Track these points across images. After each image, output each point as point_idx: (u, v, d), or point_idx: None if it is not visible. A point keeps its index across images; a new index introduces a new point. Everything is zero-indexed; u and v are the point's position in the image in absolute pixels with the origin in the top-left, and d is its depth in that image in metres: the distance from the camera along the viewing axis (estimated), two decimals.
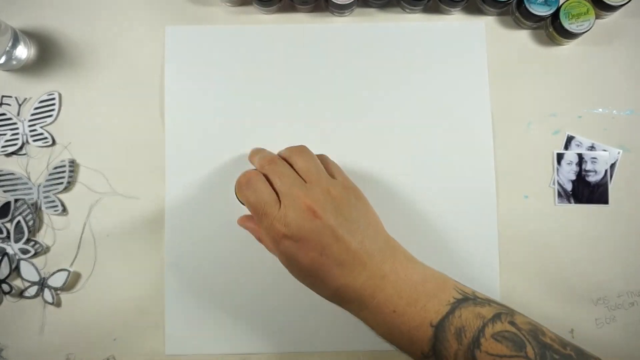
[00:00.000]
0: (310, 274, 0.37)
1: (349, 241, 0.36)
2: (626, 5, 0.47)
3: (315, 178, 0.39)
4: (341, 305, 0.38)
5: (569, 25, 0.47)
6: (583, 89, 0.50)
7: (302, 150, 0.42)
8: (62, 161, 0.48)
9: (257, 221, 0.39)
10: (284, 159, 0.41)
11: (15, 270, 0.48)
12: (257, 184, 0.39)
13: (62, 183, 0.48)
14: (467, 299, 0.37)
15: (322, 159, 0.43)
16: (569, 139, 0.49)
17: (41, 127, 0.49)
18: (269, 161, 0.41)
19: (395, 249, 0.38)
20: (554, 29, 0.48)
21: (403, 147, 0.49)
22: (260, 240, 0.42)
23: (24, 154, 0.49)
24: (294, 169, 0.40)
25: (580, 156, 0.49)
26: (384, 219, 0.48)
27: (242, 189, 0.40)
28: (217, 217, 0.48)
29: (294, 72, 0.50)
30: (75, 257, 0.48)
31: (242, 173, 0.41)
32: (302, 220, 0.36)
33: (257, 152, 0.44)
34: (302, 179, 0.39)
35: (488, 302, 0.37)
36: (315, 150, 0.50)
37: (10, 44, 0.47)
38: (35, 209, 0.48)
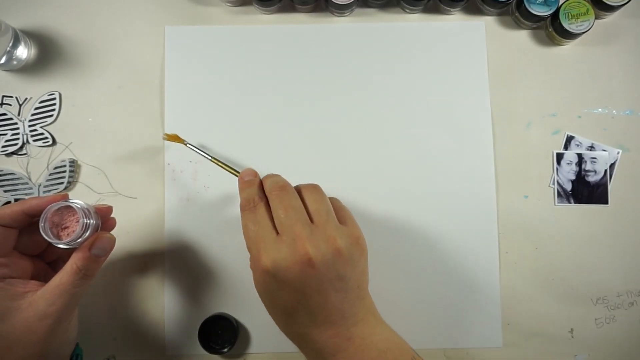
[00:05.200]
0: (279, 312, 0.36)
1: (330, 298, 0.35)
2: (626, 6, 0.47)
3: (324, 221, 0.36)
4: (300, 349, 0.37)
5: (568, 25, 0.47)
6: (583, 89, 0.50)
7: (314, 188, 0.39)
8: (63, 161, 0.48)
9: (247, 245, 0.37)
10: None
11: None
12: (258, 211, 0.37)
13: (62, 183, 0.48)
14: None
15: (334, 202, 0.40)
16: (569, 139, 0.49)
17: (41, 127, 0.49)
18: (280, 188, 0.38)
19: (368, 311, 0.37)
20: (553, 29, 0.49)
21: (403, 146, 0.49)
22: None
23: (25, 154, 0.49)
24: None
25: (579, 156, 0.49)
26: (383, 219, 0.48)
27: (244, 212, 0.38)
28: (217, 216, 0.48)
29: (294, 71, 0.50)
30: None
31: (245, 194, 0.39)
32: (294, 264, 0.34)
33: (270, 176, 0.41)
34: (310, 218, 0.36)
35: None
36: (316, 151, 0.50)
37: (10, 44, 0.47)
38: None
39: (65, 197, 0.37)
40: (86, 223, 0.36)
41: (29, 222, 0.37)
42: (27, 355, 0.34)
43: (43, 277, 0.39)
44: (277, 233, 0.36)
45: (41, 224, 0.36)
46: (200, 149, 0.45)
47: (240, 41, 0.50)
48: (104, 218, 0.40)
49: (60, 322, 0.36)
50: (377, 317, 0.38)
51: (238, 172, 0.43)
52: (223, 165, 0.44)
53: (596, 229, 0.49)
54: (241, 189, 0.40)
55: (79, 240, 0.36)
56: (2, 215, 0.36)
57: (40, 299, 0.35)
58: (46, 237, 0.35)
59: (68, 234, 0.36)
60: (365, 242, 0.38)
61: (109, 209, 0.41)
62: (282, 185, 0.38)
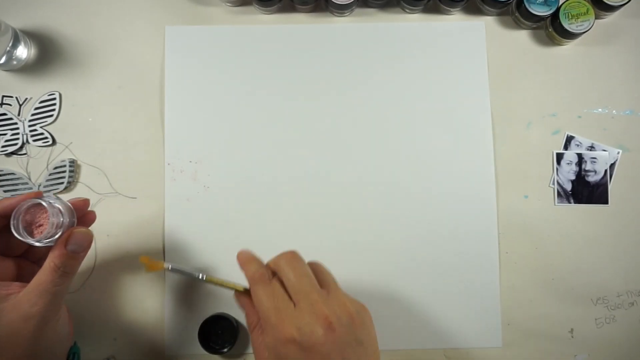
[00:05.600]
0: None
1: None
2: (626, 6, 0.47)
3: (333, 288, 0.36)
4: None
5: (568, 25, 0.47)
6: (583, 89, 0.50)
7: (316, 262, 0.39)
8: (63, 161, 0.48)
9: (263, 318, 0.36)
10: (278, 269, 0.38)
11: None
12: (274, 284, 0.36)
13: (62, 183, 0.48)
14: None
15: (315, 267, 0.39)
16: (569, 139, 0.49)
17: (41, 127, 0.49)
18: (291, 255, 0.37)
19: None
20: (553, 29, 0.48)
21: (403, 146, 0.49)
22: (250, 329, 0.38)
23: (24, 154, 0.49)
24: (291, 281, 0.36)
25: (579, 156, 0.49)
26: (382, 218, 0.48)
27: (258, 284, 0.36)
28: (217, 216, 0.48)
29: (294, 71, 0.50)
30: None
31: (254, 266, 0.38)
32: (317, 328, 0.33)
33: (251, 261, 0.39)
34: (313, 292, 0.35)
35: None
36: (315, 149, 0.50)
37: (10, 44, 0.47)
38: None
39: (39, 195, 0.37)
40: (57, 221, 0.36)
41: (5, 224, 0.37)
42: (16, 357, 0.34)
43: (29, 276, 0.38)
44: (294, 303, 0.35)
45: (12, 222, 0.35)
46: (188, 271, 0.40)
47: (240, 41, 0.50)
48: (80, 212, 0.39)
49: (45, 322, 0.35)
50: None
51: (236, 286, 0.40)
52: (220, 283, 0.40)
53: (596, 229, 0.49)
54: (245, 263, 0.39)
55: (54, 237, 0.36)
56: None
57: (22, 301, 0.34)
58: (18, 236, 0.35)
59: (41, 232, 0.36)
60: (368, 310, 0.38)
61: (85, 203, 0.40)
62: (292, 252, 0.38)
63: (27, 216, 0.36)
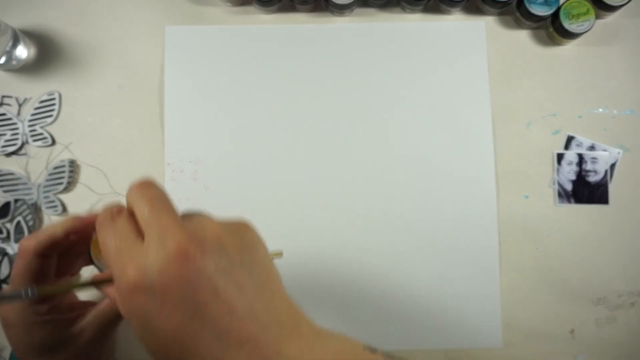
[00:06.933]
0: (173, 348, 0.25)
1: (235, 300, 0.25)
2: (626, 6, 0.47)
3: (198, 213, 0.29)
4: None
5: (569, 25, 0.47)
6: (583, 89, 0.50)
7: (144, 184, 0.29)
8: (62, 161, 0.48)
9: (111, 269, 0.27)
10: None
11: None
12: (118, 220, 0.28)
13: (62, 183, 0.48)
14: None
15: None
16: (569, 139, 0.49)
17: (41, 127, 0.49)
18: (141, 182, 0.29)
19: (300, 321, 0.27)
20: (554, 29, 0.48)
21: (403, 146, 0.49)
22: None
23: (24, 154, 0.49)
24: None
25: (580, 156, 0.49)
26: (383, 219, 0.48)
27: (101, 229, 0.28)
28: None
29: (293, 71, 0.50)
30: None
31: (102, 212, 0.29)
32: (167, 262, 0.24)
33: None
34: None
35: None
36: (315, 149, 0.50)
37: (10, 44, 0.47)
38: (35, 209, 0.48)
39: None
40: None
41: (68, 246, 0.35)
42: None
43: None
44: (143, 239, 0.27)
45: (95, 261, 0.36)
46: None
47: (240, 41, 0.50)
48: None
49: (106, 348, 0.38)
50: (317, 329, 0.28)
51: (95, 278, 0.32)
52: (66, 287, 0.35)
53: (597, 229, 0.48)
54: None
55: None
56: (39, 246, 0.34)
57: (89, 327, 0.36)
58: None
59: None
60: (249, 225, 0.30)
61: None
62: (144, 179, 0.29)
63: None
